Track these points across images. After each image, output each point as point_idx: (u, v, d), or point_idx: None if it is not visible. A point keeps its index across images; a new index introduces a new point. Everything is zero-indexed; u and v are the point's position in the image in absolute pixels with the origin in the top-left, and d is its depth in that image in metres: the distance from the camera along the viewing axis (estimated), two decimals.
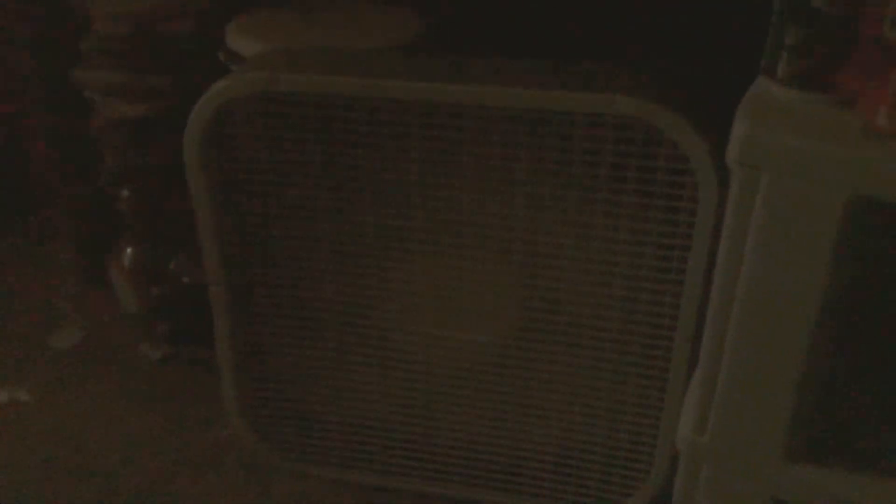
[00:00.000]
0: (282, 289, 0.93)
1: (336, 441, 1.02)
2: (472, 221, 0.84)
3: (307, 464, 1.04)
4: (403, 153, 0.82)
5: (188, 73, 1.15)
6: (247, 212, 0.89)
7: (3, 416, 1.14)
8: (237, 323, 0.96)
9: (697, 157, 0.73)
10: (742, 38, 1.09)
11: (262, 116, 0.83)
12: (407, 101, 0.79)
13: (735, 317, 0.53)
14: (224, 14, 1.14)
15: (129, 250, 1.23)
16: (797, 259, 0.49)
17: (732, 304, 0.52)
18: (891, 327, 0.60)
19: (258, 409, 1.02)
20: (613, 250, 0.82)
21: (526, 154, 0.79)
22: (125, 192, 1.19)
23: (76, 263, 1.38)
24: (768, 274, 0.50)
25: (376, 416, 0.99)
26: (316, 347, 0.96)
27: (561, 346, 0.88)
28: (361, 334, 0.94)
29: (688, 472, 0.62)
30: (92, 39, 1.14)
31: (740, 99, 0.52)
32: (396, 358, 0.95)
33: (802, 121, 0.48)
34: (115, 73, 1.15)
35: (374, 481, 1.03)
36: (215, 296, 0.94)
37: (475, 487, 1.01)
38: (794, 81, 0.50)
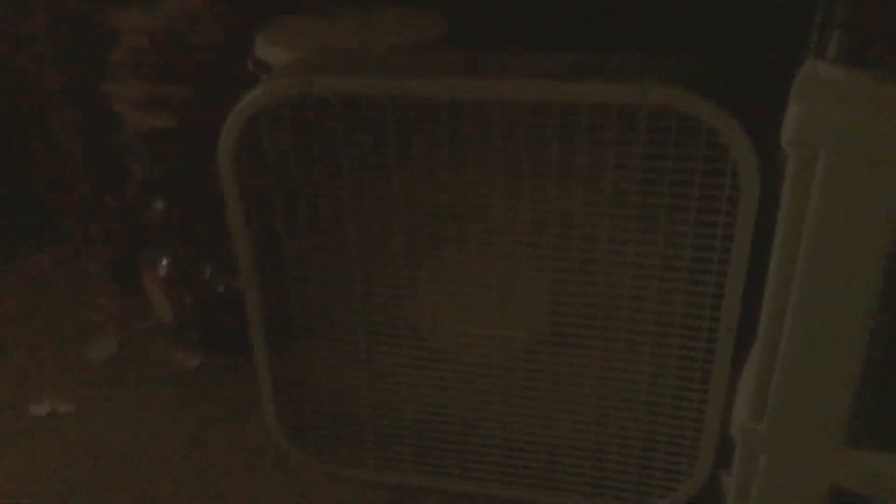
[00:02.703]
0: (314, 292, 0.94)
1: (371, 442, 1.02)
2: (503, 217, 0.84)
3: (342, 466, 1.04)
4: (433, 151, 0.82)
5: (215, 84, 1.16)
6: (279, 216, 0.90)
7: (46, 427, 1.15)
8: (271, 328, 0.97)
9: (738, 144, 0.73)
10: (754, 28, 1.09)
11: (292, 122, 0.84)
12: (437, 98, 0.79)
13: (794, 301, 0.52)
14: (249, 25, 1.14)
15: (162, 261, 1.24)
16: (857, 240, 0.48)
17: (791, 288, 0.52)
18: None
19: (294, 413, 1.02)
20: (650, 241, 0.81)
21: (557, 148, 0.79)
22: (157, 203, 1.20)
23: (109, 275, 1.39)
24: (827, 256, 0.49)
25: (410, 416, 0.99)
26: (349, 349, 0.96)
27: (596, 340, 0.88)
28: (393, 334, 0.94)
29: (744, 460, 0.61)
30: (120, 52, 1.16)
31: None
32: (429, 357, 0.94)
33: (858, 99, 0.48)
34: (144, 85, 1.16)
35: (410, 481, 1.03)
36: (250, 301, 0.95)
37: (512, 485, 1.00)
38: (847, 60, 0.49)
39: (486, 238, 0.85)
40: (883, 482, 0.56)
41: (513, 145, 0.80)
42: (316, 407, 1.01)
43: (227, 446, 1.11)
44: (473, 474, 1.01)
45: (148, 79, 1.15)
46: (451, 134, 0.80)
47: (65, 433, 1.14)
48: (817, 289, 0.51)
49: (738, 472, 0.62)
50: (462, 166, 0.82)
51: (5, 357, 1.29)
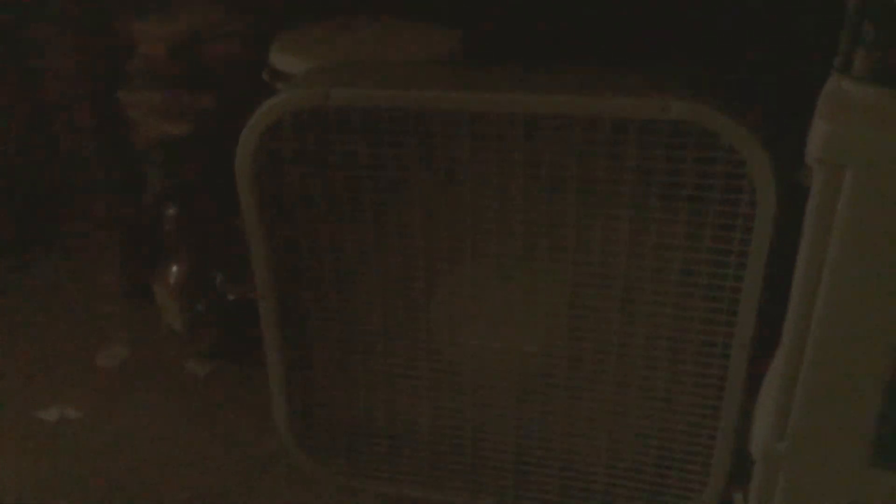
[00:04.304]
0: (330, 302, 0.94)
1: (384, 454, 1.02)
2: (522, 231, 0.84)
3: (355, 477, 1.04)
4: (452, 164, 0.82)
5: (231, 92, 1.17)
6: (295, 227, 0.90)
7: (54, 432, 1.15)
8: (286, 337, 0.97)
9: (756, 161, 0.72)
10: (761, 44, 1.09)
11: (310, 132, 0.84)
12: (456, 112, 0.79)
13: (817, 319, 0.52)
14: (265, 34, 1.15)
15: (173, 268, 1.24)
16: (884, 257, 0.48)
17: (814, 306, 0.52)
18: None
19: (307, 423, 1.02)
20: (666, 258, 0.81)
21: (576, 163, 0.79)
22: (170, 211, 1.20)
23: (121, 282, 1.39)
24: (853, 273, 0.49)
25: (425, 430, 0.99)
26: (364, 360, 0.96)
27: (612, 355, 0.88)
28: (409, 346, 0.94)
29: (764, 478, 0.61)
30: (136, 60, 1.16)
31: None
32: (444, 370, 0.94)
33: (885, 117, 0.48)
34: (159, 94, 1.17)
35: (422, 495, 1.02)
36: (265, 310, 0.95)
37: (525, 500, 1.00)
38: (873, 78, 0.49)
39: (504, 252, 0.85)
40: None
41: (532, 159, 0.80)
42: (329, 417, 1.01)
43: (239, 455, 1.11)
44: (486, 489, 1.00)
45: (164, 87, 1.15)
46: (471, 147, 0.81)
47: (73, 439, 1.14)
48: (842, 307, 0.51)
49: (758, 491, 0.62)
50: (481, 179, 0.82)
51: (15, 361, 1.29)
